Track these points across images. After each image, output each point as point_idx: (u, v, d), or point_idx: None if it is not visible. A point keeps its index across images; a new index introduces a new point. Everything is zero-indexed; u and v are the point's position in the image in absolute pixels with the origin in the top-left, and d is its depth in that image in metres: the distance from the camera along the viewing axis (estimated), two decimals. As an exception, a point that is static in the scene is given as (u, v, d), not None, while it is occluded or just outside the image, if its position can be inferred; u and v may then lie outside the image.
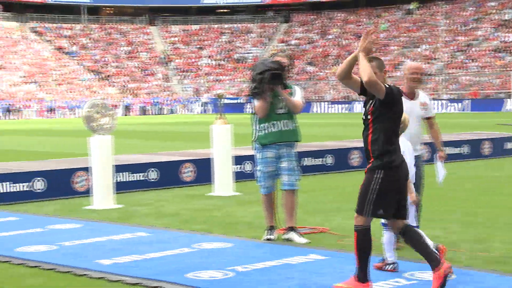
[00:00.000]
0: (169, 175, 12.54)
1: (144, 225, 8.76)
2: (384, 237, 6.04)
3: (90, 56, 77.82)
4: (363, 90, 5.42)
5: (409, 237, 5.44)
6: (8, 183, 10.96)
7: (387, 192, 5.32)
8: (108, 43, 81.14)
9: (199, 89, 74.74)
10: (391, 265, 6.01)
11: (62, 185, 11.45)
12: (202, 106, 68.82)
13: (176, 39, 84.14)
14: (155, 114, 67.39)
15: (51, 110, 63.61)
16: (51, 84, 69.49)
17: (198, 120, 49.25)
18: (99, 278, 6.06)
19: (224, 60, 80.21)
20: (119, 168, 11.69)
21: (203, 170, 12.60)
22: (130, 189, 11.97)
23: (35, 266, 6.53)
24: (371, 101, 5.40)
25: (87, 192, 11.18)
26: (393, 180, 5.33)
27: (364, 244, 5.36)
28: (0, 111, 60.11)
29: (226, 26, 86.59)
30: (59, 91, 68.27)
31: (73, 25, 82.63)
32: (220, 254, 6.86)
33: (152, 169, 12.40)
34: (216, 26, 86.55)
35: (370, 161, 5.38)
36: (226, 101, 55.77)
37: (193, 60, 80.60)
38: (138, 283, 5.84)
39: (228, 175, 11.50)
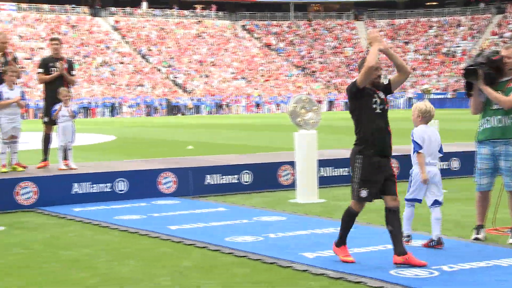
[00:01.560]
0: None
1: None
2: (404, 212, 6.83)
3: (297, 52, 79.41)
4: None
5: (390, 220, 6.32)
6: (218, 175, 11.51)
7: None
8: (314, 39, 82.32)
9: (404, 84, 73.51)
10: (406, 238, 6.96)
11: (268, 178, 11.80)
12: (407, 101, 67.64)
13: (382, 33, 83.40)
14: (360, 110, 67.23)
15: (258, 105, 65.74)
16: (258, 80, 71.83)
17: (403, 115, 48.45)
18: (303, 270, 6.17)
19: (431, 54, 78.21)
20: (322, 163, 11.82)
21: (406, 166, 12.35)
22: (333, 184, 12.07)
23: (243, 256, 6.80)
24: (383, 93, 6.43)
25: (291, 186, 11.43)
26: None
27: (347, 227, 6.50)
28: (211, 106, 63.15)
29: (434, 19, 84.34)
30: (266, 87, 70.37)
31: (280, 22, 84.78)
32: (426, 252, 6.72)
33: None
34: (424, 19, 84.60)
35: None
36: (433, 96, 54.31)
37: (399, 54, 79.38)
38: (341, 278, 5.88)
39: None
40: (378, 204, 6.36)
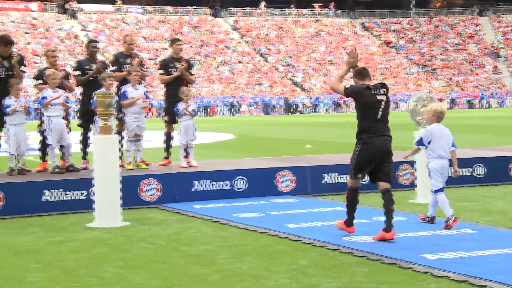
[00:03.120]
0: (497, 171, 12.05)
1: (470, 221, 8.54)
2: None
3: (417, 50, 77.86)
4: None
5: (385, 198, 7.63)
6: (336, 174, 11.47)
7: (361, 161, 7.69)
8: (435, 36, 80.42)
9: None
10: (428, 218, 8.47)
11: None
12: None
13: (508, 29, 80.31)
14: (483, 108, 65.14)
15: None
16: (377, 78, 71.00)
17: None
18: (424, 272, 6.05)
19: (561, 50, 74.58)
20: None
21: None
22: (455, 184, 11.74)
23: (362, 256, 6.75)
24: None
25: (411, 186, 11.23)
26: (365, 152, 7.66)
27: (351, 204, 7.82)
28: (329, 105, 62.94)
29: None
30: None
31: (400, 19, 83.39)
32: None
33: (479, 164, 12.03)
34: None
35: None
36: None
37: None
38: (464, 281, 5.72)
39: None
40: (502, 206, 6.17)
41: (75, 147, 11.79)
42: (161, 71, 12.28)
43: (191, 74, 12.32)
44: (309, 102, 62.32)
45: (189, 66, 12.32)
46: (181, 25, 73.26)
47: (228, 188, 10.96)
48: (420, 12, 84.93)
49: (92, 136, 11.21)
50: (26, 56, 11.34)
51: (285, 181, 11.21)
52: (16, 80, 10.85)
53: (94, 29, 67.54)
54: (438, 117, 8.48)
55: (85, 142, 11.82)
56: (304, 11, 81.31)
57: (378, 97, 7.76)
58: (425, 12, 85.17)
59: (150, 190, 10.48)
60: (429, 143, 8.43)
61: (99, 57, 12.38)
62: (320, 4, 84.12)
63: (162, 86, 12.47)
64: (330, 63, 72.47)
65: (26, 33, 63.67)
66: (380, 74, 71.74)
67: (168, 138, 12.27)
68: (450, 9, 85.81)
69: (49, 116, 10.92)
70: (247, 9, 78.94)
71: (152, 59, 62.18)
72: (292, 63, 71.13)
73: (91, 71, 11.66)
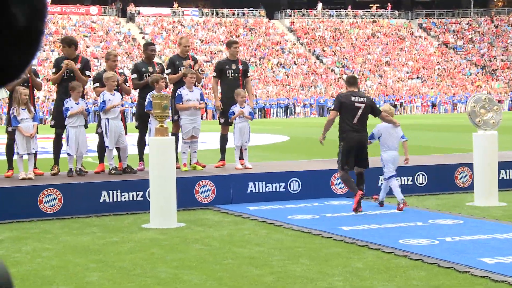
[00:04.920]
0: (440, 180, 11.58)
1: (530, 226, 8.35)
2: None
3: (476, 50, 76.52)
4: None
5: (358, 177, 10.07)
6: (392, 176, 11.35)
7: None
8: (495, 36, 78.91)
9: None
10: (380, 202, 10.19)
11: (444, 180, 11.48)
12: None
13: None
14: (545, 109, 63.58)
15: (434, 105, 64.06)
16: (434, 79, 70.03)
17: None
18: (482, 276, 5.94)
19: None
20: (503, 165, 11.31)
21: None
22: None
23: (418, 259, 6.66)
24: None
25: (469, 188, 11.04)
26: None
27: (348, 184, 9.96)
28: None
29: None
30: (443, 86, 68.45)
31: (459, 19, 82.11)
32: None
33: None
34: None
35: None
36: None
37: None
38: (523, 286, 5.60)
39: None
40: None
41: (132, 149, 11.96)
42: (215, 74, 12.34)
43: (247, 76, 12.35)
44: (365, 103, 61.87)
45: (246, 69, 12.35)
46: (237, 28, 73.64)
47: (283, 190, 10.96)
48: (479, 12, 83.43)
49: (148, 138, 11.36)
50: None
51: (340, 183, 11.14)
52: (77, 83, 11.05)
53: (152, 31, 68.43)
54: (390, 114, 10.26)
55: (141, 144, 11.96)
56: (360, 12, 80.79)
57: (357, 104, 9.75)
58: (485, 12, 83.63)
59: (205, 192, 10.55)
60: (379, 137, 10.09)
61: (156, 59, 12.50)
62: (377, 5, 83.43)
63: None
64: (387, 64, 71.82)
65: (86, 36, 64.92)
66: (437, 76, 70.78)
67: (223, 140, 12.32)
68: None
69: (107, 119, 11.11)
70: (303, 11, 78.84)
71: (208, 61, 62.68)
72: (348, 64, 70.76)
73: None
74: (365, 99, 9.94)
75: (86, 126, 11.18)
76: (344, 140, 9.80)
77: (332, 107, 10.35)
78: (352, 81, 10.15)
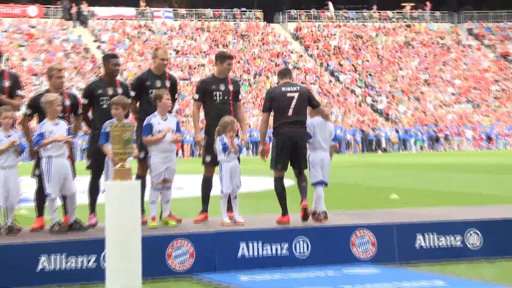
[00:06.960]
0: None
1: None
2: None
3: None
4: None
5: (299, 178, 11.70)
6: (433, 234, 11.35)
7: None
8: None
9: None
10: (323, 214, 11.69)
11: (504, 240, 11.54)
12: None
13: None
14: None
15: (490, 138, 64.26)
16: (490, 104, 70.29)
17: None
18: None
19: None
20: None
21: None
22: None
23: None
24: None
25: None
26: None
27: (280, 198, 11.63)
28: (423, 140, 62.56)
29: None
30: (502, 113, 68.65)
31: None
32: None
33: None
34: None
35: None
36: None
37: None
38: None
39: None
40: None
41: (82, 198, 11.92)
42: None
43: (238, 100, 12.28)
44: (395, 136, 62.09)
45: (238, 90, 12.26)
46: (225, 34, 73.99)
47: (286, 253, 10.92)
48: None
49: (104, 182, 11.30)
50: (21, 75, 11.69)
51: (363, 244, 11.12)
52: (6, 107, 10.98)
53: (110, 39, 68.60)
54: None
55: (94, 190, 11.92)
56: (390, 13, 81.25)
57: (289, 94, 11.53)
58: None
59: (180, 256, 10.52)
60: (310, 137, 11.74)
61: (118, 78, 12.26)
62: (412, 4, 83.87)
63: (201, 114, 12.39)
64: (425, 84, 72.11)
65: (21, 45, 65.13)
66: (494, 99, 70.93)
67: (207, 185, 12.21)
68: None
69: (48, 157, 11.04)
70: (312, 12, 79.19)
71: (185, 79, 62.87)
72: (373, 83, 71.06)
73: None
74: (298, 87, 11.70)
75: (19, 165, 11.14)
76: (278, 135, 11.73)
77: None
78: (284, 72, 12.16)
